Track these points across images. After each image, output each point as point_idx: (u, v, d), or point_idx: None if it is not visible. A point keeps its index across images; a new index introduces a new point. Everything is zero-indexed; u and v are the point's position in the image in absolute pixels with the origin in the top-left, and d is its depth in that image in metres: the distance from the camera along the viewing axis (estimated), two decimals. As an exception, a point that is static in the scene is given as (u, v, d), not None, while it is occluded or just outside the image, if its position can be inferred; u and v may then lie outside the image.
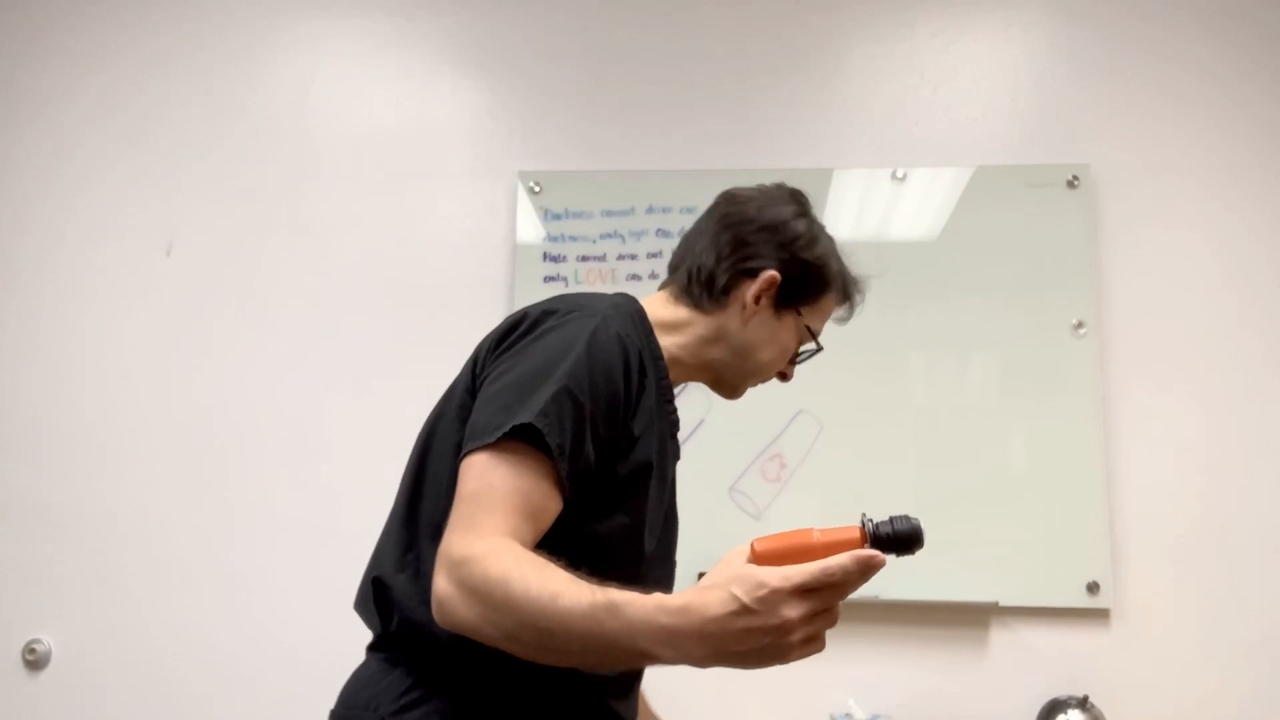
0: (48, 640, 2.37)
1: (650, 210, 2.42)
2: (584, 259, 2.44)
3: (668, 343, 1.23)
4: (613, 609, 0.85)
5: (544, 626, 0.87)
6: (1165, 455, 2.28)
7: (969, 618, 2.26)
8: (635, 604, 0.85)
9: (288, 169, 2.54)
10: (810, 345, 1.32)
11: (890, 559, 0.86)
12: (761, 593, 0.80)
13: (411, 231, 2.51)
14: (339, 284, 2.48)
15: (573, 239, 2.43)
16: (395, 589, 1.07)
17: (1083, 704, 2.13)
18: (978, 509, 2.27)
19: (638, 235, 2.42)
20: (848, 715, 2.18)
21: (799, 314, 1.29)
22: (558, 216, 2.45)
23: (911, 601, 2.25)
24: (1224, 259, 2.35)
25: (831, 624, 0.83)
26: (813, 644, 0.83)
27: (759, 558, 0.85)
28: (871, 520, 0.89)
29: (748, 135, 2.46)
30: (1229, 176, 2.37)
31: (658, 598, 0.85)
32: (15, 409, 2.48)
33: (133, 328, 2.49)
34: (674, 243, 2.45)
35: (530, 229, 2.46)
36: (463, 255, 2.48)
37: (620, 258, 2.42)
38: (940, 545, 2.24)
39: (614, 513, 1.09)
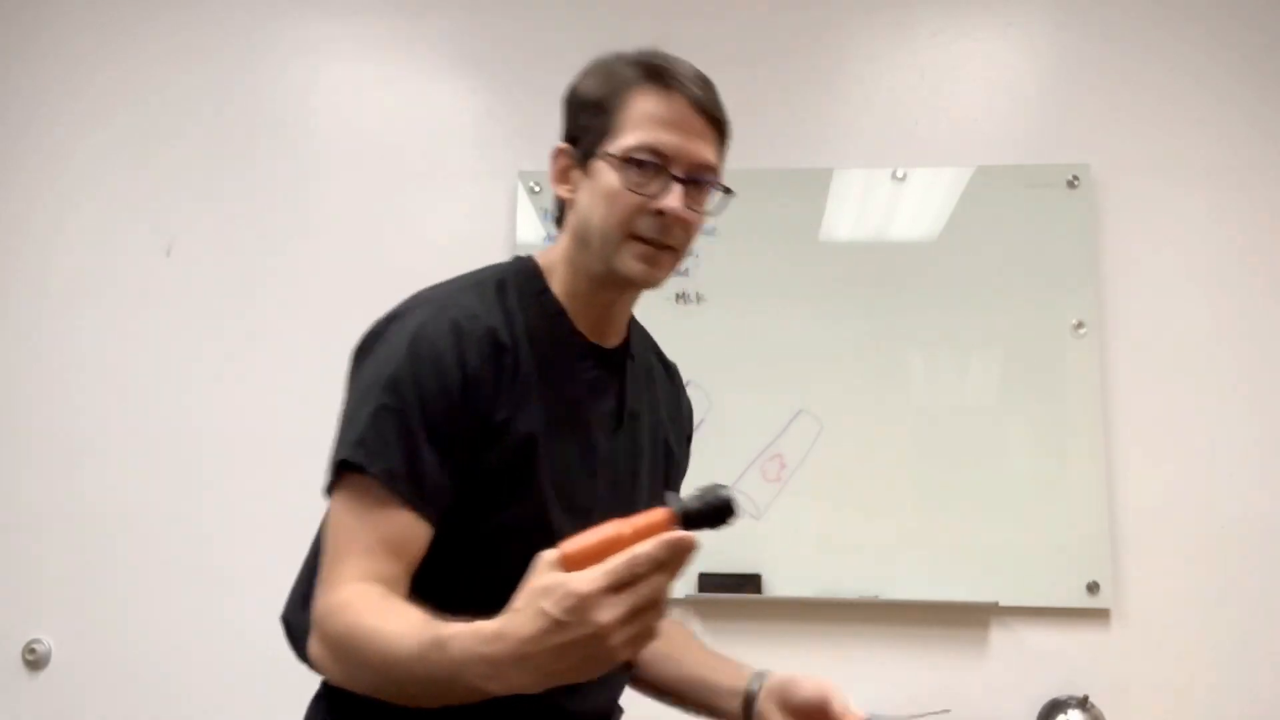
0: (48, 640, 2.37)
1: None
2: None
3: (561, 287, 1.12)
4: (439, 645, 0.82)
5: (393, 676, 0.86)
6: (1165, 455, 2.28)
7: (969, 618, 2.26)
8: (459, 637, 0.81)
9: (288, 169, 2.54)
10: (642, 156, 1.06)
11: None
12: (569, 603, 0.74)
13: (412, 231, 2.51)
14: (339, 284, 2.48)
15: (573, 239, 2.43)
16: (299, 630, 1.04)
17: (1083, 704, 2.13)
18: (978, 509, 2.26)
19: (638, 235, 2.42)
20: (848, 715, 2.17)
21: (607, 155, 1.07)
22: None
23: (911, 601, 2.25)
24: (1224, 259, 2.35)
25: (658, 616, 0.77)
26: (640, 640, 0.77)
27: (568, 562, 0.78)
28: (679, 498, 0.81)
29: (748, 135, 2.44)
30: (1228, 176, 2.37)
31: (477, 626, 0.80)
32: (15, 409, 2.48)
33: (132, 328, 2.49)
34: (674, 243, 2.47)
35: (530, 229, 2.46)
36: (463, 255, 2.44)
37: (620, 258, 2.42)
38: (940, 545, 2.26)
39: (508, 502, 1.03)
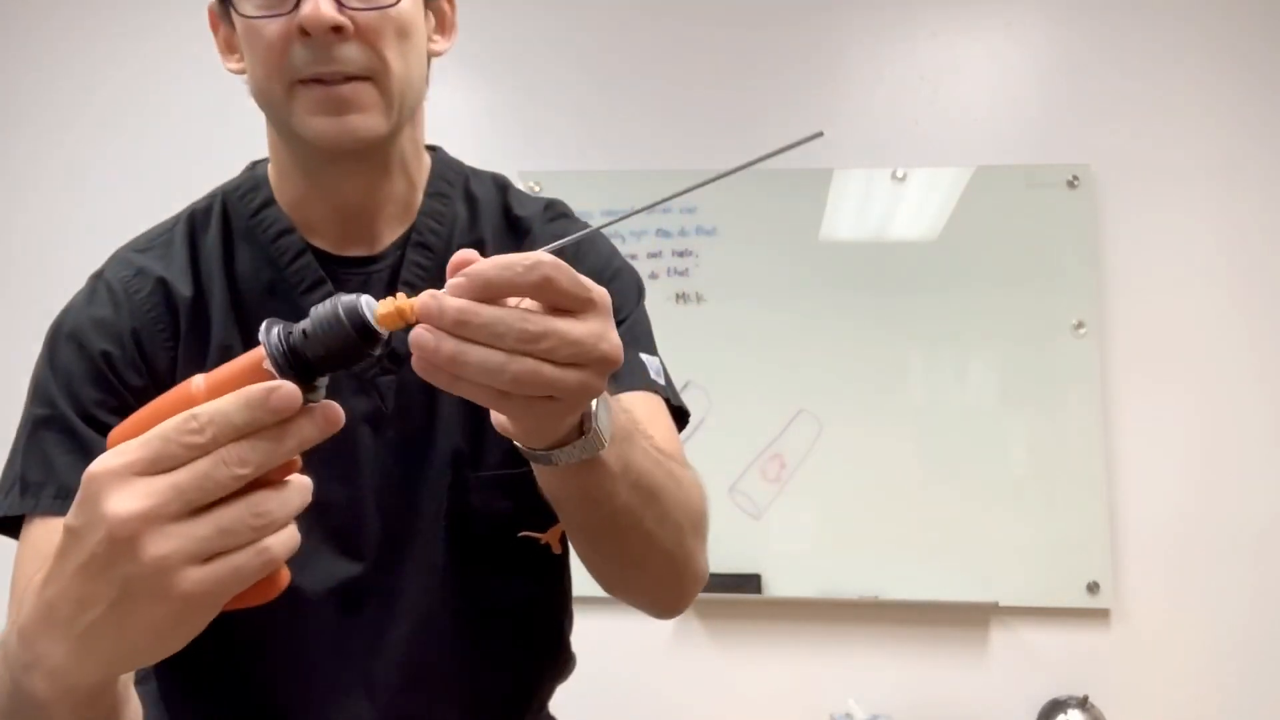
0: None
1: (650, 210, 2.42)
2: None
3: (286, 193, 0.87)
4: (3, 656, 0.56)
5: None
6: (1165, 455, 2.28)
7: (969, 618, 2.26)
8: (12, 621, 0.57)
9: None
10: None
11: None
12: (80, 494, 0.49)
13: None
14: (339, 284, 2.48)
15: (573, 239, 2.43)
16: None
17: (1083, 704, 2.13)
18: (978, 509, 2.27)
19: (638, 235, 2.42)
20: (848, 715, 2.18)
21: (232, 4, 0.80)
22: (558, 216, 2.46)
23: (911, 601, 2.25)
24: (1224, 258, 2.35)
25: (264, 526, 0.48)
26: (223, 562, 0.47)
27: (109, 442, 0.51)
28: (279, 325, 0.51)
29: (748, 135, 2.46)
30: (1229, 176, 2.37)
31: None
32: (16, 409, 2.48)
33: (133, 328, 2.49)
34: (674, 243, 2.47)
35: (530, 229, 2.46)
36: (463, 255, 2.48)
37: (620, 258, 2.42)
38: (940, 545, 2.26)
39: None
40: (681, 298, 2.39)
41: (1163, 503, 2.26)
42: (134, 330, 0.81)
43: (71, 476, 0.74)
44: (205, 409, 0.48)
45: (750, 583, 2.27)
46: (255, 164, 0.93)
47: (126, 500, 0.47)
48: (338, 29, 0.75)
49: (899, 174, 2.42)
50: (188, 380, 0.51)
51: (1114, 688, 2.18)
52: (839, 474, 2.31)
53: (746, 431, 2.33)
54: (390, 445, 0.80)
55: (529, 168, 2.48)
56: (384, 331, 0.51)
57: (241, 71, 0.84)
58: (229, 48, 0.85)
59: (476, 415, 0.83)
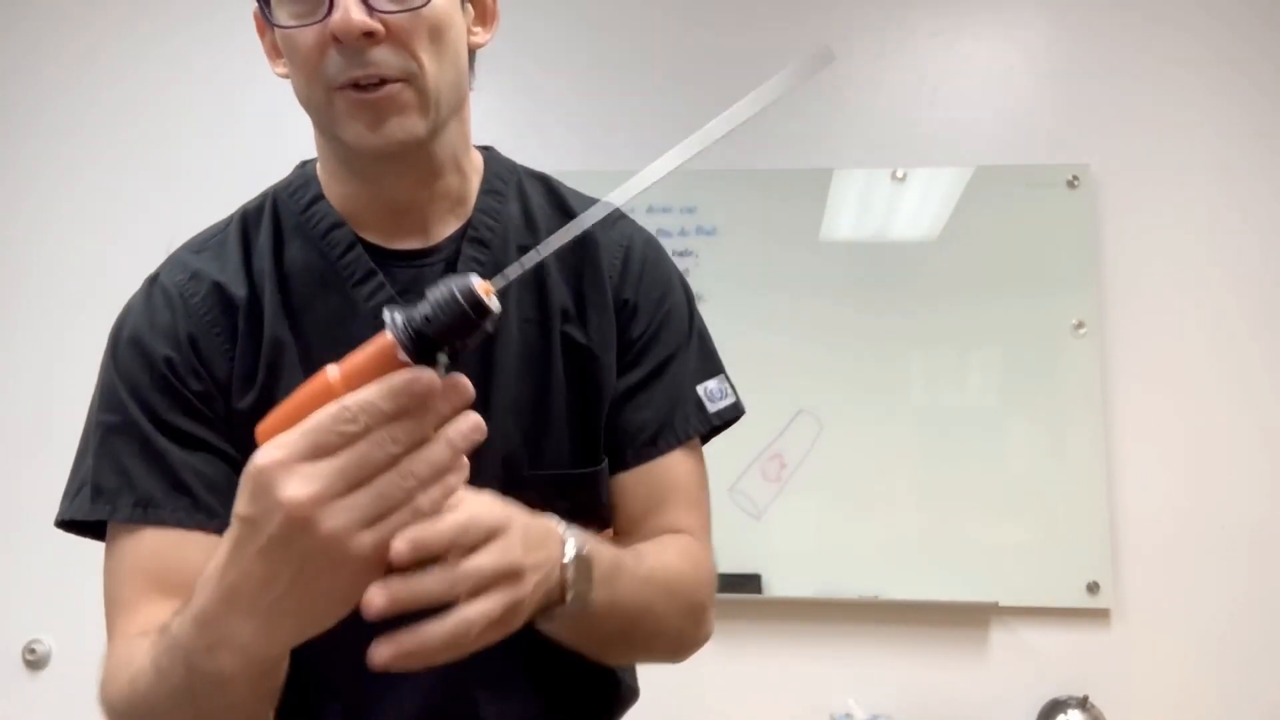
0: (48, 640, 2.37)
1: (650, 210, 2.42)
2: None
3: (336, 189, 0.89)
4: (170, 646, 0.63)
5: (161, 715, 0.69)
6: (1165, 455, 2.28)
7: (969, 618, 2.26)
8: (178, 617, 0.63)
9: (289, 169, 2.54)
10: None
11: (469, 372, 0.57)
12: (249, 485, 0.54)
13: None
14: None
15: (573, 239, 2.43)
16: None
17: (1083, 704, 2.13)
18: (978, 509, 2.27)
19: (638, 235, 2.42)
20: (848, 715, 2.18)
21: (268, 14, 0.81)
22: (558, 216, 2.46)
23: (911, 601, 2.25)
24: (1224, 259, 2.35)
25: (416, 492, 0.54)
26: (386, 523, 0.54)
27: (260, 439, 0.56)
28: (401, 311, 0.56)
29: (748, 135, 2.45)
30: (1229, 176, 2.37)
31: (199, 580, 0.61)
32: (15, 409, 2.48)
33: (133, 328, 2.49)
34: (674, 243, 2.47)
35: (530, 229, 2.46)
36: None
37: (620, 258, 2.42)
38: (940, 545, 2.26)
39: None
40: (681, 298, 2.39)
41: (1163, 503, 2.26)
42: (190, 335, 0.83)
43: (148, 485, 0.78)
44: (355, 399, 0.53)
45: (750, 583, 2.27)
46: (305, 163, 0.95)
47: (298, 486, 0.52)
48: (369, 34, 0.75)
49: (899, 174, 2.42)
50: (321, 372, 0.56)
51: (1114, 688, 2.18)
52: (839, 474, 2.31)
53: (746, 431, 2.31)
54: None
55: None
56: (496, 305, 0.56)
57: (286, 76, 0.85)
58: (276, 52, 0.86)
59: (533, 414, 0.86)
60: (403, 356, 0.55)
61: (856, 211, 2.43)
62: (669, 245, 2.49)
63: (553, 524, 0.71)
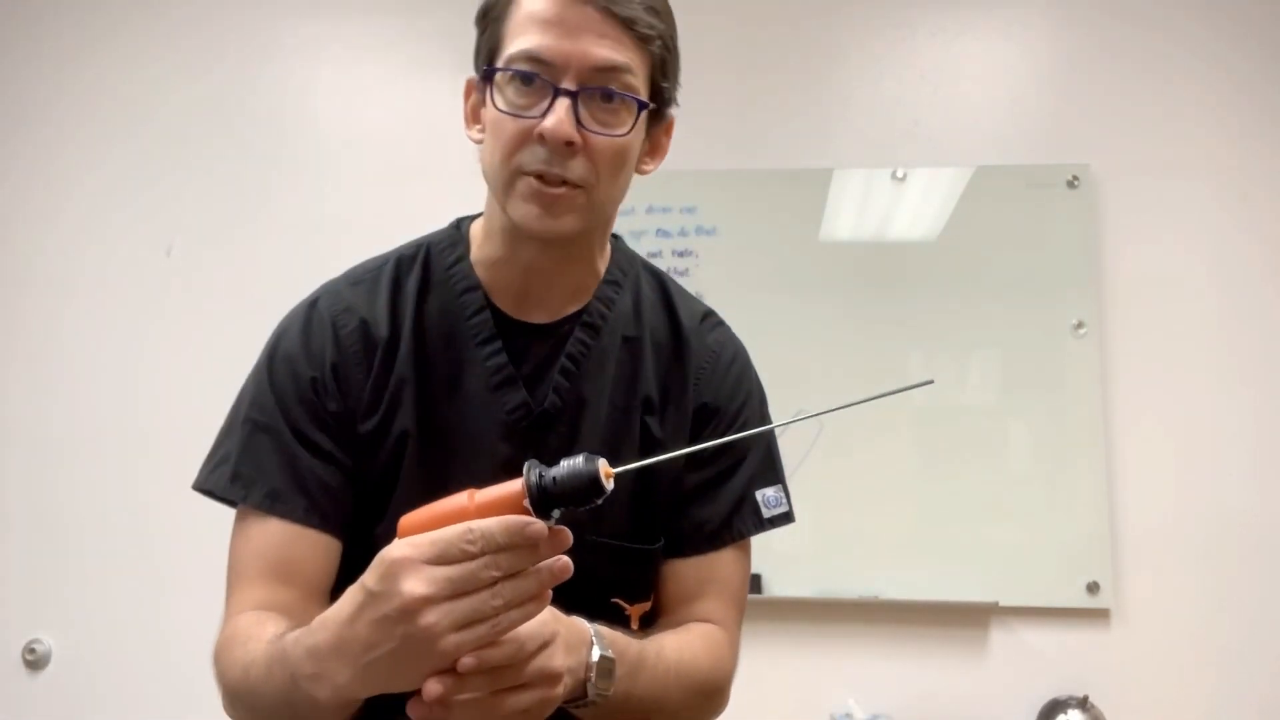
0: (48, 640, 2.37)
1: (650, 210, 2.42)
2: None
3: (482, 253, 0.99)
4: (282, 656, 0.75)
5: (261, 707, 0.80)
6: (1165, 455, 2.28)
7: (969, 618, 2.26)
8: (294, 635, 0.75)
9: (289, 169, 2.54)
10: (519, 67, 0.87)
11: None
12: (380, 569, 0.66)
13: (413, 231, 2.49)
14: (339, 284, 2.48)
15: (573, 239, 2.43)
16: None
17: (1083, 704, 2.13)
18: (978, 509, 2.26)
19: (638, 235, 2.42)
20: (848, 715, 2.18)
21: (488, 75, 0.90)
22: (558, 216, 2.46)
23: (911, 601, 2.25)
24: (1223, 259, 2.35)
25: (500, 611, 0.66)
26: (470, 631, 0.65)
27: (402, 531, 0.70)
28: (538, 468, 0.69)
29: (748, 135, 2.46)
30: (1229, 176, 2.37)
31: (319, 617, 0.73)
32: (15, 410, 2.48)
33: (132, 328, 2.49)
34: (674, 243, 2.47)
35: (530, 229, 2.46)
36: (463, 255, 2.48)
37: (620, 258, 2.42)
38: (940, 545, 2.26)
39: (383, 514, 0.93)
40: (681, 298, 2.40)
41: (1163, 503, 2.26)
42: (334, 363, 0.94)
43: (279, 481, 0.91)
44: (479, 526, 0.65)
45: (750, 583, 2.26)
46: (460, 221, 1.06)
47: (417, 584, 0.65)
48: (570, 143, 0.86)
49: (899, 174, 2.42)
50: (464, 492, 0.69)
51: (1114, 688, 2.18)
52: (839, 474, 2.31)
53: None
54: (540, 450, 0.89)
55: (529, 168, 2.48)
56: (610, 487, 0.68)
57: (479, 142, 0.95)
58: (475, 118, 0.96)
59: None
60: (526, 503, 0.67)
61: (856, 211, 2.43)
62: (669, 245, 2.51)
63: (585, 628, 0.82)
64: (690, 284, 2.42)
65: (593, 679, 0.80)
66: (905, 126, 2.46)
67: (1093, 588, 2.22)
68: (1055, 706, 2.15)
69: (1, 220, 2.57)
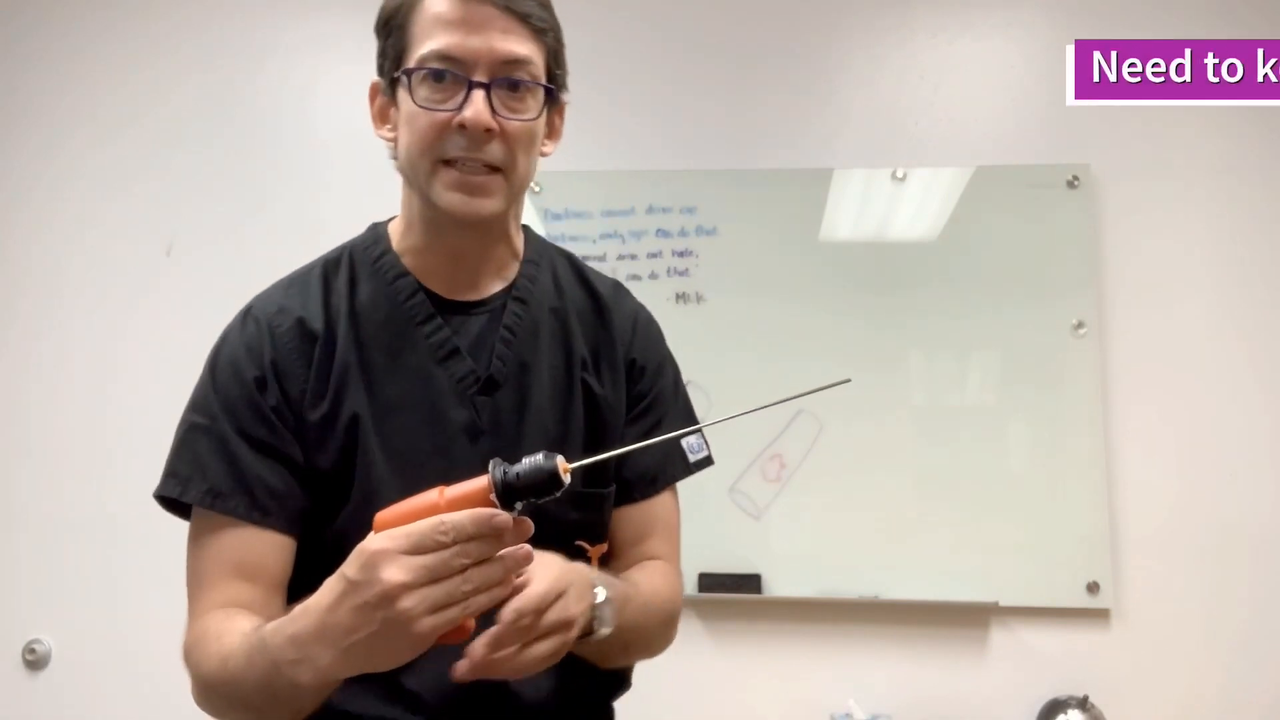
0: (48, 640, 2.37)
1: (650, 210, 2.42)
2: (584, 259, 2.43)
3: (405, 244, 1.06)
4: (261, 641, 0.81)
5: (240, 696, 0.85)
6: (1165, 455, 2.28)
7: (969, 618, 2.26)
8: (273, 625, 0.81)
9: (289, 169, 2.54)
10: (432, 65, 0.95)
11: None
12: (360, 559, 0.73)
13: (411, 231, 2.51)
14: (339, 284, 2.48)
15: (573, 239, 2.43)
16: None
17: (1083, 704, 2.13)
18: (978, 509, 2.27)
19: (638, 235, 2.42)
20: (848, 715, 2.18)
21: (401, 75, 0.98)
22: (558, 217, 2.46)
23: (911, 601, 2.25)
24: (1224, 259, 2.35)
25: (469, 595, 0.73)
26: (443, 614, 0.73)
27: (377, 526, 0.76)
28: (502, 466, 0.76)
29: (748, 135, 2.46)
30: (1229, 176, 2.37)
31: (299, 607, 0.79)
32: (15, 410, 2.48)
33: (132, 328, 2.49)
34: (674, 243, 2.47)
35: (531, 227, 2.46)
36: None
37: (620, 258, 2.42)
38: (940, 546, 2.26)
39: (347, 499, 0.97)
40: (681, 298, 2.40)
41: (1163, 503, 2.26)
42: (273, 360, 0.99)
43: (217, 479, 0.95)
44: (450, 519, 0.72)
45: (750, 583, 2.27)
46: (375, 225, 1.13)
47: (396, 572, 0.71)
48: (489, 130, 0.95)
49: (899, 174, 2.42)
50: (434, 489, 0.76)
51: (1114, 688, 2.18)
52: (839, 474, 2.31)
53: (746, 431, 2.32)
54: (483, 454, 0.92)
55: (529, 168, 2.48)
56: (568, 480, 0.76)
57: (389, 140, 1.03)
58: (382, 118, 1.04)
59: (560, 433, 1.05)
60: (492, 497, 0.75)
61: (856, 211, 2.43)
62: (669, 245, 2.51)
63: (589, 575, 0.91)
64: (690, 284, 2.43)
65: (598, 618, 0.90)
66: (905, 126, 2.46)
67: (1093, 588, 2.22)
68: (1055, 706, 2.16)
69: (1, 220, 2.57)
